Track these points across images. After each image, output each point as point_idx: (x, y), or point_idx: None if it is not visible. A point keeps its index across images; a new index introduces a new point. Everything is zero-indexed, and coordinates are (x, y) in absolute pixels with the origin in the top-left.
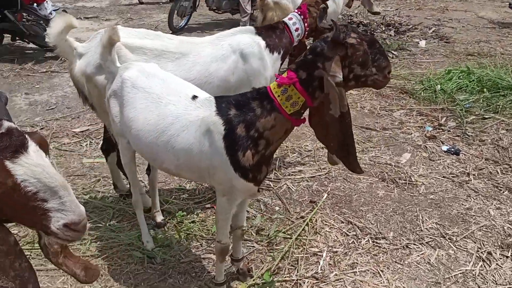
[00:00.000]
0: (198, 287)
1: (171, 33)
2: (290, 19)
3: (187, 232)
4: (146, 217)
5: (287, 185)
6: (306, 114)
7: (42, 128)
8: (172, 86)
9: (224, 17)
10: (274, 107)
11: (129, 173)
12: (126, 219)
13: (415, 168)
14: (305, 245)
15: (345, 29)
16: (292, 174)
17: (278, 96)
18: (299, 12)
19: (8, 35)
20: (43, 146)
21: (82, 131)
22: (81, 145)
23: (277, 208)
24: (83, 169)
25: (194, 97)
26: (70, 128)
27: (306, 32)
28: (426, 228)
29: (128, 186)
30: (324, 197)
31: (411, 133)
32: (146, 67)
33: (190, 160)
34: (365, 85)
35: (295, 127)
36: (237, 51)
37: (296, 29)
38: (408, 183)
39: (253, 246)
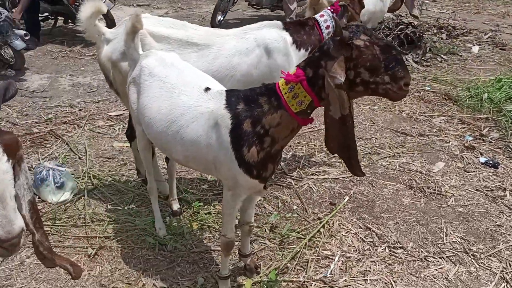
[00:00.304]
0: (204, 278)
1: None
2: (322, 16)
3: (201, 222)
4: (163, 205)
5: (309, 184)
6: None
7: (80, 110)
8: (188, 76)
9: (267, 12)
10: (281, 105)
11: (145, 160)
12: (144, 204)
13: (447, 178)
14: (318, 247)
15: (355, 29)
16: (315, 174)
17: (285, 93)
18: (331, 10)
19: (61, 18)
20: (10, 149)
21: (117, 115)
22: (114, 129)
23: (295, 207)
24: (113, 152)
25: (207, 89)
26: (107, 111)
27: None
28: (449, 242)
29: None
30: (345, 200)
31: (449, 142)
32: (164, 56)
33: (198, 152)
34: (376, 93)
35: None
36: (262, 46)
37: (327, 27)
38: (437, 193)
39: (265, 243)
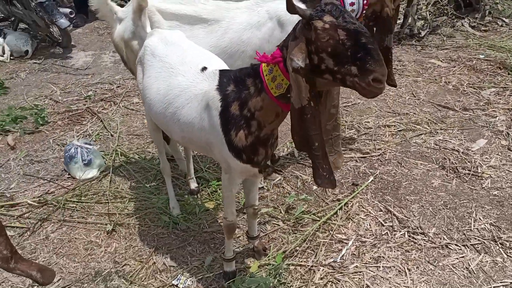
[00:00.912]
0: (213, 258)
1: None
2: None
3: (218, 202)
4: (183, 183)
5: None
6: None
7: (118, 87)
8: (188, 56)
9: None
10: (263, 88)
11: (155, 140)
12: (165, 182)
13: (486, 158)
14: (332, 230)
15: (320, 8)
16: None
17: (266, 75)
18: None
19: None
20: None
21: None
22: None
23: (314, 187)
24: (142, 129)
25: (204, 68)
26: None
27: (364, 12)
28: (476, 228)
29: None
30: (369, 181)
31: (496, 116)
32: (167, 35)
33: (192, 134)
34: (346, 85)
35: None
36: (274, 18)
37: (351, 4)
38: (472, 174)
39: (278, 225)
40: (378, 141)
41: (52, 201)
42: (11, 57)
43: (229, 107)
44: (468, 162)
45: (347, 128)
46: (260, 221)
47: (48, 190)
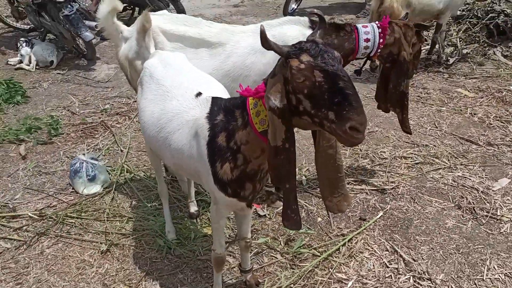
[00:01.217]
0: None
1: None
2: (365, 27)
3: None
4: (184, 205)
5: None
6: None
7: (135, 101)
8: (185, 79)
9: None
10: (249, 121)
11: (152, 163)
12: None
13: (508, 199)
14: (332, 268)
15: (299, 45)
16: (351, 183)
17: (251, 109)
18: (378, 25)
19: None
20: None
21: None
22: None
23: (319, 219)
24: None
25: (198, 94)
26: None
27: (379, 50)
28: (489, 278)
29: None
30: (378, 216)
31: None
32: (167, 57)
33: (182, 161)
34: (324, 129)
35: None
36: (281, 43)
37: (366, 40)
38: (490, 217)
39: (276, 257)
40: (392, 173)
41: (52, 216)
42: (37, 67)
43: (216, 137)
44: (487, 202)
45: (361, 158)
46: (258, 251)
47: (51, 204)
